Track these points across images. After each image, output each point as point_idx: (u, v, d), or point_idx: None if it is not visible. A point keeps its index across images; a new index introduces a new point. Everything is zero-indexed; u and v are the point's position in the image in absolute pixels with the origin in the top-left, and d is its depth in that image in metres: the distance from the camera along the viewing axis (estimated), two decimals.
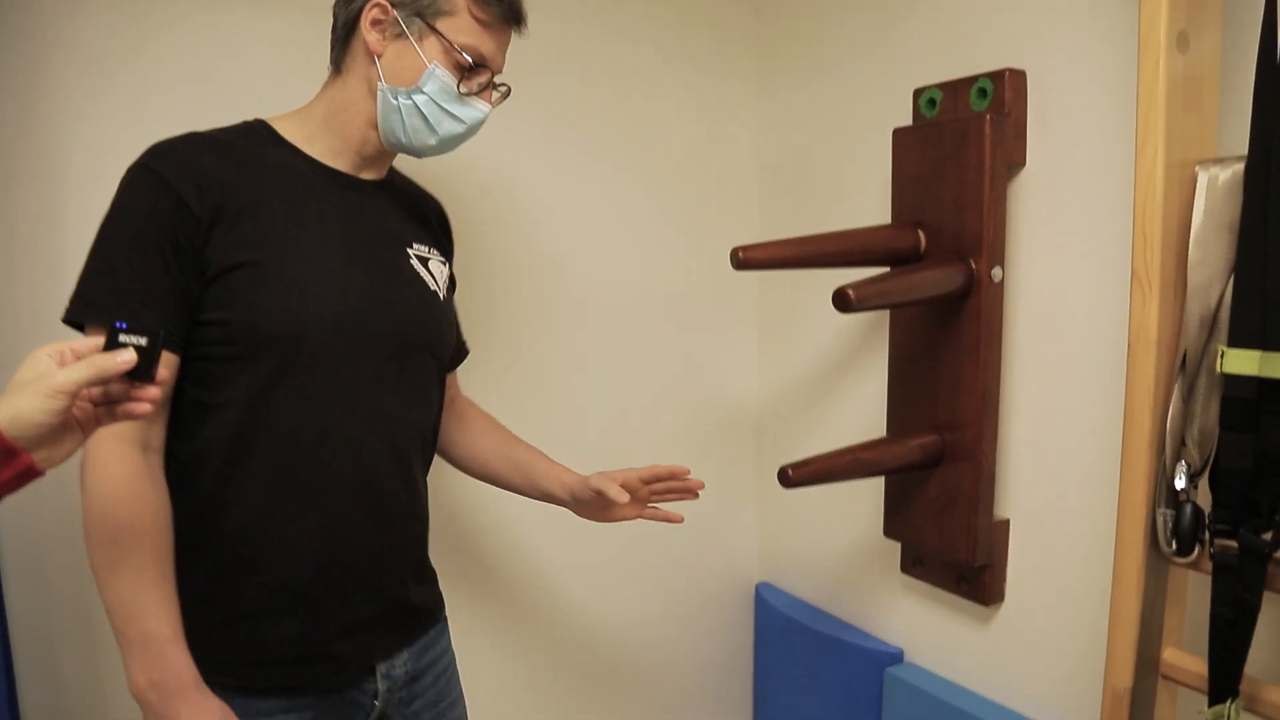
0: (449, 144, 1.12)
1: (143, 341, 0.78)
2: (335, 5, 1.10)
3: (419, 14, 1.05)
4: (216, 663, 0.99)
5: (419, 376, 1.15)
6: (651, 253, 1.77)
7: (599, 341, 1.73)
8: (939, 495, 1.39)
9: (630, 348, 1.76)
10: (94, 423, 0.81)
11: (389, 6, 1.04)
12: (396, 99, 1.06)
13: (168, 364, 0.96)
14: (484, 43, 1.07)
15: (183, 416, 1.01)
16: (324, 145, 1.10)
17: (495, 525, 1.65)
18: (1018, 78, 1.30)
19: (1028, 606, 1.36)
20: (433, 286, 1.17)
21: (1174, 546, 1.03)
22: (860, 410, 1.62)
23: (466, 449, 1.32)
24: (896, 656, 1.56)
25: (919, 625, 1.55)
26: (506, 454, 1.31)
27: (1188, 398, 1.02)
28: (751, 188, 1.87)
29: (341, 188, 1.10)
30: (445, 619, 1.26)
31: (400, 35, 1.05)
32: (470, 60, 1.06)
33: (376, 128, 1.09)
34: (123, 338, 0.78)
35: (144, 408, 0.81)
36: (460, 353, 1.33)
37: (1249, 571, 0.96)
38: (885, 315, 1.49)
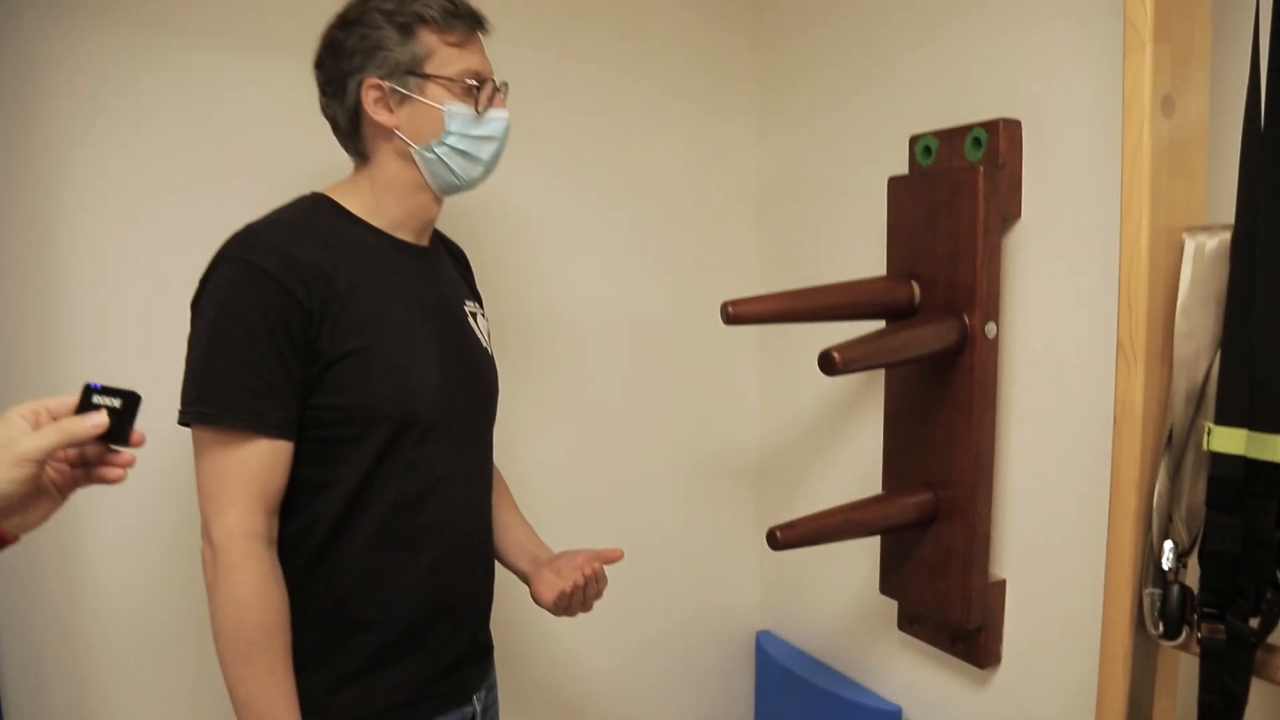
0: (493, 164, 1.16)
1: (116, 403, 0.77)
2: (325, 109, 1.14)
3: (409, 72, 1.08)
4: None
5: (486, 432, 1.24)
6: (650, 295, 1.75)
7: (597, 385, 1.72)
8: (933, 554, 1.35)
9: (630, 392, 1.75)
10: (71, 486, 0.79)
11: (381, 82, 1.07)
12: (433, 152, 1.10)
13: (281, 454, 1.00)
14: (469, 60, 1.11)
15: (291, 496, 1.04)
16: (386, 217, 1.14)
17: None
18: (1013, 128, 1.26)
19: (1026, 671, 1.32)
20: (485, 344, 1.23)
21: (1160, 629, 0.98)
22: (858, 460, 1.59)
23: None
24: (895, 715, 1.52)
25: (917, 683, 1.51)
26: (498, 516, 1.31)
27: (1174, 474, 0.98)
28: (750, 228, 1.85)
29: (411, 258, 1.16)
30: None
31: (404, 99, 1.08)
32: (472, 81, 1.10)
33: (427, 187, 1.14)
34: (96, 399, 0.76)
35: (117, 474, 0.80)
36: None
37: (1236, 659, 0.91)
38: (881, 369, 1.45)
